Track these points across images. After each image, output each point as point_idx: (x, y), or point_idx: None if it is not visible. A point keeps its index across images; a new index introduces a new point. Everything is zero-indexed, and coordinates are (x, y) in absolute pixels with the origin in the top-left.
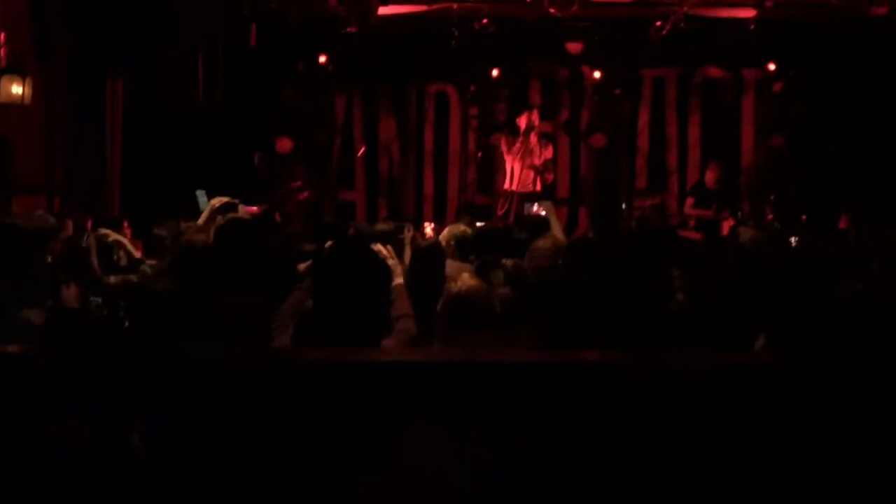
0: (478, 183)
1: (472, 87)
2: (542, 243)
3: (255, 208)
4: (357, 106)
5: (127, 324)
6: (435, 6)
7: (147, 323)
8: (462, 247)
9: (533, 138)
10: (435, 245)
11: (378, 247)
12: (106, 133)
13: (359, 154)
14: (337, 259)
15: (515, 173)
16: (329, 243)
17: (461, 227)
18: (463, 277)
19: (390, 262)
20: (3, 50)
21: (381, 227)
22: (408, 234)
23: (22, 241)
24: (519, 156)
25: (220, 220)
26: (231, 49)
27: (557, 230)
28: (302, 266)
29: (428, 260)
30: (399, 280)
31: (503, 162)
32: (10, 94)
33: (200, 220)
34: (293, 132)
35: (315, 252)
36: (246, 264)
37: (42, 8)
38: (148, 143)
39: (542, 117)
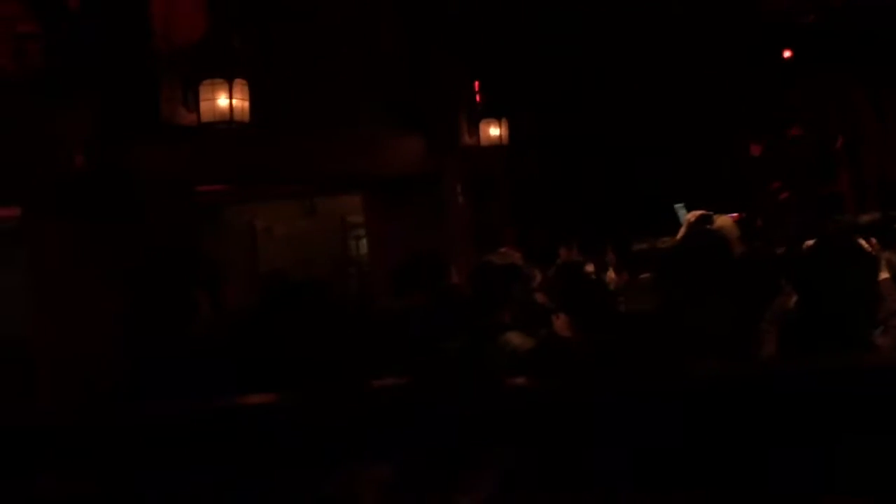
0: None
1: None
2: None
3: (734, 216)
4: (829, 96)
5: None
6: None
7: (631, 342)
8: None
9: None
10: None
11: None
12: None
13: (837, 146)
14: (817, 258)
15: None
16: (809, 242)
17: None
18: None
19: (874, 255)
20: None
21: (866, 218)
22: None
23: (496, 276)
24: None
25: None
26: None
27: None
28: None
29: None
30: (884, 275)
31: None
32: (489, 136)
33: (679, 235)
34: (765, 134)
35: (792, 253)
36: (723, 273)
37: None
38: (623, 166)
39: None
